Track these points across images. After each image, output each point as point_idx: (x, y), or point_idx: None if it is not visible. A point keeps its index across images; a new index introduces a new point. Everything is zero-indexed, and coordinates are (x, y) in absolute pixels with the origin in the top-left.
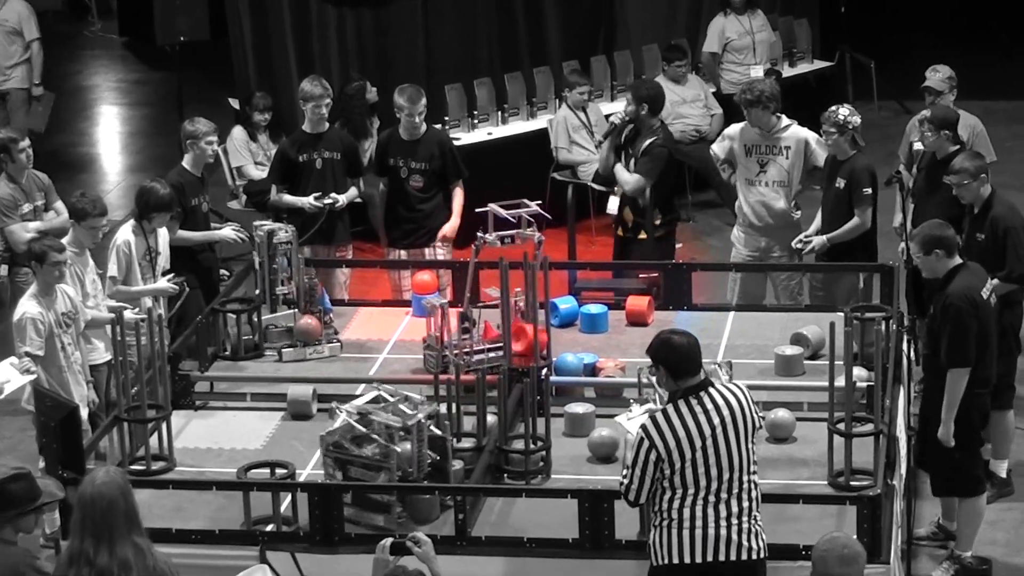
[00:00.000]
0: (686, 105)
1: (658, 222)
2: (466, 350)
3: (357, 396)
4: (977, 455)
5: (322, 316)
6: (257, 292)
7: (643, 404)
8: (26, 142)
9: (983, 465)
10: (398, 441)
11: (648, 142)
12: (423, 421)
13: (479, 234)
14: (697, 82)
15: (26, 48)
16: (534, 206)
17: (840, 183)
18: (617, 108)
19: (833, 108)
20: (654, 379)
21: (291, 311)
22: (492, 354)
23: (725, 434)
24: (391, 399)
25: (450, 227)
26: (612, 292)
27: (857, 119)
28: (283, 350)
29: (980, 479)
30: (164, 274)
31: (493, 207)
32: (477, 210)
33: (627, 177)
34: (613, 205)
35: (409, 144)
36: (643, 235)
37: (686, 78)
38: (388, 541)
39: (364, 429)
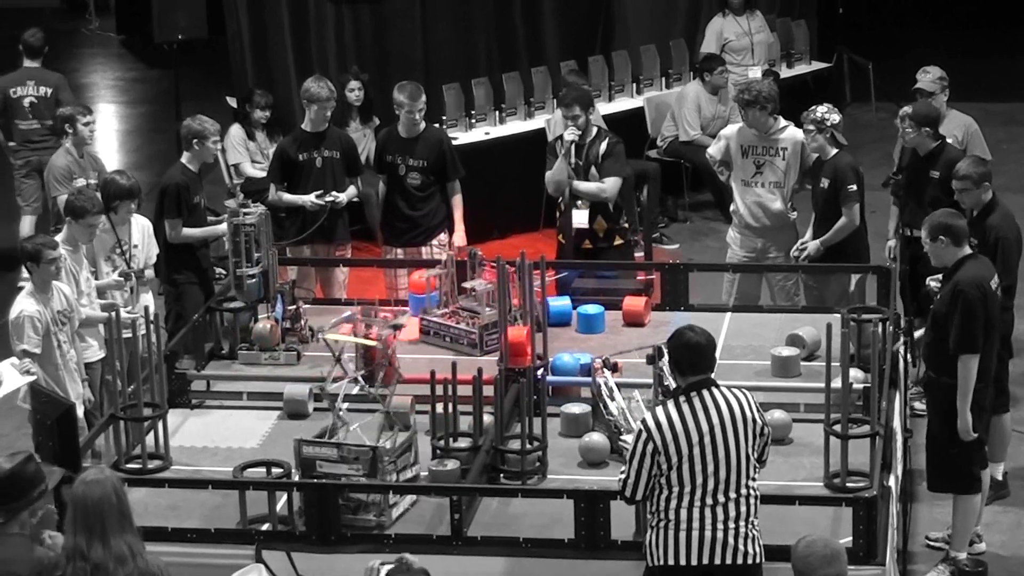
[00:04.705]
0: (715, 122)
1: (627, 225)
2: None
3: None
4: (973, 452)
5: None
6: (224, 275)
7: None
8: (91, 117)
9: (981, 464)
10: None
11: (605, 143)
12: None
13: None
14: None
15: None
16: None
17: (824, 182)
18: (618, 107)
19: (813, 107)
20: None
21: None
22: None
23: (724, 433)
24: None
25: (460, 237)
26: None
27: (836, 117)
28: (239, 351)
29: (976, 477)
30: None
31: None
32: None
33: (597, 186)
34: (582, 218)
35: (407, 142)
36: (618, 241)
37: (727, 88)
38: (377, 561)
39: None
